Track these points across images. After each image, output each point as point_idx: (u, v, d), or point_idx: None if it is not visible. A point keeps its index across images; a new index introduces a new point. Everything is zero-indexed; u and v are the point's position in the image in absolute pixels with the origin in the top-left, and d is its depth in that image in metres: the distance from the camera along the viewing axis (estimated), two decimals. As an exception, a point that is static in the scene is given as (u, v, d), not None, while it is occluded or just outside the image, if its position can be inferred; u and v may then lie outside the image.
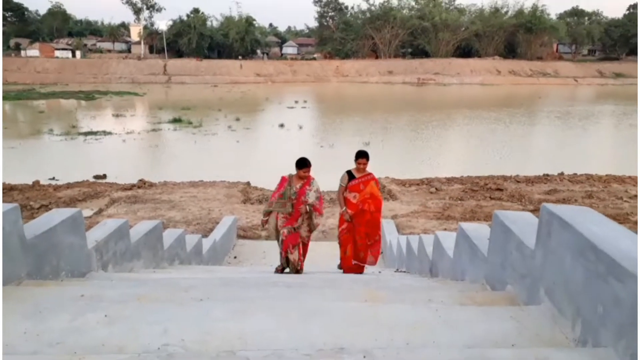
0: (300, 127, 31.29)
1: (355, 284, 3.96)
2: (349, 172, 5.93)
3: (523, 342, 2.16)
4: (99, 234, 4.55)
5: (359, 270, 6.07)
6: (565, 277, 2.29)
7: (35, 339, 2.09)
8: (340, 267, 6.46)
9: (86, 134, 27.48)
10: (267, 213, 5.78)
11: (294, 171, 5.79)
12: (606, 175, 15.86)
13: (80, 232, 4.06)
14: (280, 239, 5.76)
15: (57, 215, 3.86)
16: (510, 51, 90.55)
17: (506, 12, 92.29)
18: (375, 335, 2.14)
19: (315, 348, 1.88)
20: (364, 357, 1.79)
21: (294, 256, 5.73)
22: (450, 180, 15.79)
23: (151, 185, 15.16)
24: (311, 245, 9.23)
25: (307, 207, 5.65)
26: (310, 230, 5.89)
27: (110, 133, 27.95)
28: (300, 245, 5.79)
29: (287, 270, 5.92)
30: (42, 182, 15.38)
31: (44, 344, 2.04)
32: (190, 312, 2.40)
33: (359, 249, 6.01)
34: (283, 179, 5.79)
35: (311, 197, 5.63)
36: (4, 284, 3.01)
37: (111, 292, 3.01)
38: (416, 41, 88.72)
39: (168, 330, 2.16)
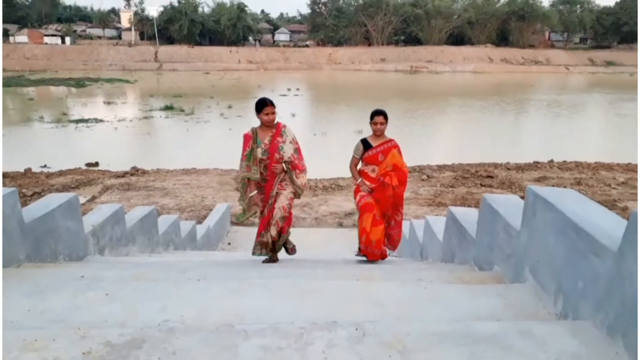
0: (293, 115, 31.18)
1: (348, 264, 4.06)
2: (363, 141, 4.73)
3: (508, 317, 2.26)
4: (95, 218, 4.61)
5: (381, 255, 4.58)
6: (548, 255, 2.40)
7: (39, 315, 2.16)
8: (359, 253, 4.68)
9: (77, 121, 27.26)
10: (242, 185, 4.40)
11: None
12: (595, 163, 16.05)
13: (77, 217, 4.12)
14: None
15: (54, 199, 3.91)
16: (502, 39, 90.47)
17: (499, 0, 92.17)
18: (366, 311, 2.24)
19: (309, 322, 1.97)
20: (356, 329, 1.89)
21: (267, 237, 4.34)
22: (441, 168, 15.90)
23: (144, 172, 15.15)
24: (303, 232, 9.34)
25: (284, 165, 4.32)
26: (294, 195, 4.43)
27: (101, 121, 27.73)
28: (279, 220, 4.30)
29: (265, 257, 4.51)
30: (33, 170, 15.33)
31: (49, 321, 2.12)
32: (188, 290, 2.48)
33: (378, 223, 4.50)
34: (246, 136, 4.32)
35: (287, 151, 4.28)
36: (4, 267, 3.08)
37: (110, 273, 3.09)
38: (409, 29, 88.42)
39: (167, 307, 2.24)
